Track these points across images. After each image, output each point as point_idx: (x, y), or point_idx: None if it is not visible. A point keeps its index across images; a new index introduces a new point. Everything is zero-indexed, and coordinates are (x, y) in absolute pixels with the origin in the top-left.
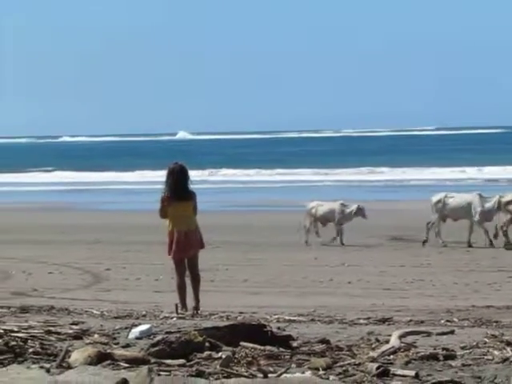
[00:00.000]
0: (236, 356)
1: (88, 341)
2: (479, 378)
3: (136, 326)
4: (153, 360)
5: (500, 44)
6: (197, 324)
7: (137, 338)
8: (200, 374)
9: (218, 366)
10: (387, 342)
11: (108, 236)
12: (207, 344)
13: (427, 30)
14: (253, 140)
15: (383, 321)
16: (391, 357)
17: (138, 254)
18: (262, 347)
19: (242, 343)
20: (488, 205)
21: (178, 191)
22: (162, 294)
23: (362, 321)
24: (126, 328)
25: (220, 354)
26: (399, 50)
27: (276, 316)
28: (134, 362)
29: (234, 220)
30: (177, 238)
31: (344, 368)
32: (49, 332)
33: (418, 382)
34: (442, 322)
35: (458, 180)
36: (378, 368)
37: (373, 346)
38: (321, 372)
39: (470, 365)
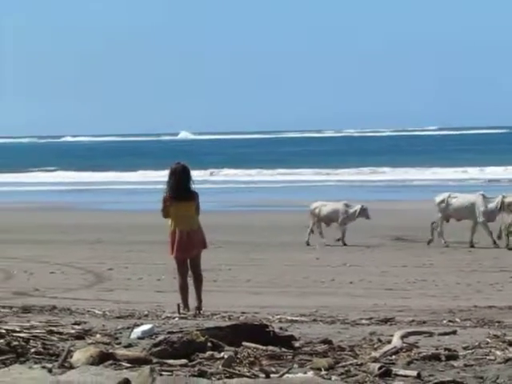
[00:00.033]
0: (238, 356)
1: (90, 341)
2: (481, 378)
3: (138, 325)
4: (155, 360)
5: (502, 44)
6: (199, 324)
7: (139, 338)
8: (202, 374)
9: (220, 366)
10: (389, 342)
11: (110, 236)
12: (209, 344)
13: (429, 30)
14: (254, 140)
15: (385, 321)
16: (393, 357)
17: (140, 253)
18: (264, 347)
19: (244, 343)
20: (491, 205)
21: (180, 191)
22: (164, 293)
23: (364, 321)
24: (128, 328)
25: (222, 354)
26: (401, 49)
27: (278, 316)
28: (136, 362)
29: (235, 220)
30: (179, 238)
31: (346, 368)
32: (51, 332)
33: (419, 382)
34: (444, 322)
35: (460, 180)
36: (380, 368)
37: (375, 346)
38: (323, 372)
39: (472, 365)
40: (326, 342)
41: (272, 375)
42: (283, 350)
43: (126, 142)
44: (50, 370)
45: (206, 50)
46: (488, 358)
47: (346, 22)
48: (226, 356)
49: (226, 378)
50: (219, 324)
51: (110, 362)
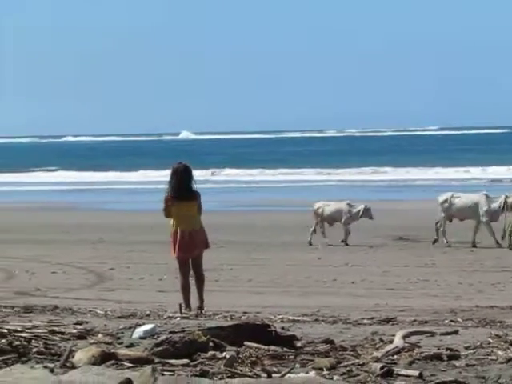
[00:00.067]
0: (240, 356)
1: (92, 340)
2: (483, 378)
3: (140, 325)
4: (157, 360)
5: (503, 43)
6: (201, 324)
7: (141, 338)
8: (204, 374)
9: (222, 366)
10: (391, 342)
11: (112, 236)
12: (211, 344)
13: (430, 30)
14: (256, 140)
15: (387, 321)
16: (395, 357)
17: (142, 253)
18: (266, 347)
19: (246, 343)
20: (494, 205)
21: (182, 191)
22: (166, 293)
23: (365, 321)
24: (130, 328)
25: (224, 353)
26: (402, 49)
27: (280, 316)
28: (138, 362)
29: (237, 220)
30: (180, 238)
31: (348, 368)
32: (52, 332)
33: (421, 382)
34: (446, 322)
35: (462, 180)
36: (381, 368)
37: (377, 346)
38: (325, 372)
39: (473, 365)
40: (327, 341)
41: (274, 375)
42: (285, 349)
43: (128, 142)
44: (51, 370)
45: (207, 49)
46: (490, 357)
47: (347, 21)
48: (227, 356)
49: (228, 377)
50: (221, 324)
51: (112, 361)
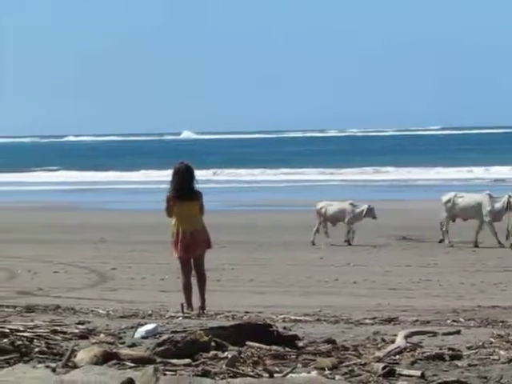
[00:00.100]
0: (242, 356)
1: (94, 340)
2: (485, 378)
3: (142, 325)
4: (158, 359)
5: (505, 43)
6: (203, 324)
7: (143, 338)
8: (206, 374)
9: (223, 366)
10: (393, 341)
11: (113, 235)
12: (213, 344)
13: (431, 30)
14: (257, 140)
15: (389, 321)
16: (397, 357)
17: (144, 253)
18: (268, 347)
19: (248, 343)
20: (498, 205)
21: (183, 191)
22: (168, 293)
23: (367, 321)
24: (132, 327)
25: (226, 353)
26: (404, 49)
27: (282, 316)
28: (140, 362)
29: (238, 219)
30: (182, 238)
31: (350, 368)
32: (55, 331)
33: (423, 382)
34: (448, 322)
35: (465, 180)
36: (383, 368)
37: (379, 345)
38: (327, 372)
39: (476, 365)
40: (329, 341)
41: (276, 375)
42: (287, 349)
43: (129, 142)
44: (53, 370)
45: (209, 48)
46: (492, 357)
47: (348, 21)
48: (229, 356)
49: (230, 377)
50: (223, 323)
51: (114, 361)
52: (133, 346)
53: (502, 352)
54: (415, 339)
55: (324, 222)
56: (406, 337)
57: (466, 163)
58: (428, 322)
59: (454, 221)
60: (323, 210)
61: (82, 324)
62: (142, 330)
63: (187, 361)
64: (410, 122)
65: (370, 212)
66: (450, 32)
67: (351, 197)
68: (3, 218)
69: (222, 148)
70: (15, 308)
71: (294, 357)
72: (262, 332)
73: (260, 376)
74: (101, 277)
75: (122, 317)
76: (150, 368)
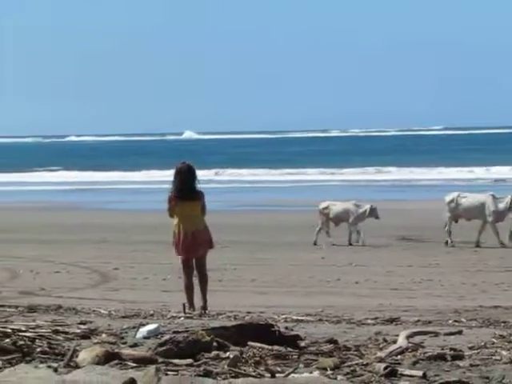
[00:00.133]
0: (244, 356)
1: (96, 340)
2: (487, 378)
3: (144, 325)
4: (160, 359)
5: (506, 43)
6: (204, 324)
7: (144, 338)
8: (208, 374)
9: (225, 366)
10: (395, 342)
11: (115, 235)
12: (215, 344)
13: (433, 30)
14: (259, 140)
15: (391, 321)
16: (399, 357)
17: (146, 253)
18: (270, 347)
19: (250, 343)
20: (501, 205)
21: (185, 191)
22: (170, 293)
23: (369, 321)
24: (134, 327)
25: (228, 353)
26: (406, 49)
27: (284, 316)
28: (142, 362)
29: (241, 220)
30: (184, 238)
31: (352, 368)
32: (56, 331)
33: (425, 382)
34: (450, 322)
35: (466, 180)
36: (385, 368)
37: (380, 346)
38: (328, 372)
39: (477, 365)
40: (331, 341)
41: (278, 375)
42: (289, 349)
43: (131, 142)
44: (55, 370)
45: (211, 48)
46: (494, 358)
47: (350, 21)
48: (231, 356)
49: (232, 377)
50: (225, 324)
51: (116, 361)
52: (135, 346)
53: (503, 352)
54: (417, 339)
55: (327, 222)
56: (408, 337)
57: (467, 163)
58: (430, 323)
59: (456, 221)
60: (326, 211)
61: (84, 324)
62: (143, 330)
63: (189, 361)
64: (411, 122)
65: (373, 212)
66: (452, 32)
67: (353, 197)
68: (5, 218)
69: (224, 148)
70: (17, 308)
71: (295, 357)
72: (263, 332)
73: (262, 376)
74: (103, 277)
75: (123, 317)
76: (151, 368)
